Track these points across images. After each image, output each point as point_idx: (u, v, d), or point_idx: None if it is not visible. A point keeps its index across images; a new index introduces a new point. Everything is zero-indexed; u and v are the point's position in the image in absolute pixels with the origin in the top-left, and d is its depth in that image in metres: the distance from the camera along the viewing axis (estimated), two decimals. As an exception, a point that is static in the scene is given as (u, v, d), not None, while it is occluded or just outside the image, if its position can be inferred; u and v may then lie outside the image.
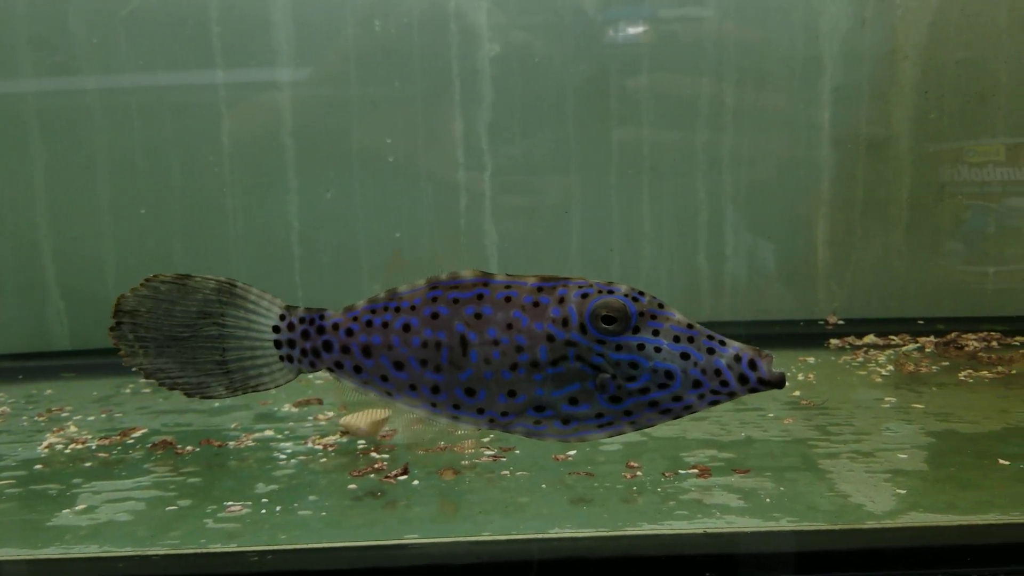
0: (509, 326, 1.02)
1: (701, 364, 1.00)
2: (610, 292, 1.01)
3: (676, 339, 1.01)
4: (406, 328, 1.03)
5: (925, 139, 2.47)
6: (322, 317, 1.06)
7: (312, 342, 1.06)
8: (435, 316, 1.03)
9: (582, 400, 1.02)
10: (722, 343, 1.01)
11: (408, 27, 2.40)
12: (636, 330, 1.01)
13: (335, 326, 1.05)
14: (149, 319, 1.04)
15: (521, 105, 2.46)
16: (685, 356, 1.00)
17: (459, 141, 2.45)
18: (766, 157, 2.51)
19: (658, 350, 1.00)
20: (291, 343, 1.06)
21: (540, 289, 1.03)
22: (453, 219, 2.48)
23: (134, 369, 1.06)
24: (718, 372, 0.99)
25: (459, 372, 1.03)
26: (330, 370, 1.06)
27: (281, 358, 1.06)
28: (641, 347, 1.00)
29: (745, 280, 2.53)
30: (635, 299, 1.01)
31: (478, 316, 1.02)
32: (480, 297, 1.03)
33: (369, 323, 1.04)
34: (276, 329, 1.06)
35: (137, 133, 2.41)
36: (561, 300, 1.02)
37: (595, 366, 1.01)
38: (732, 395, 1.01)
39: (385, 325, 1.04)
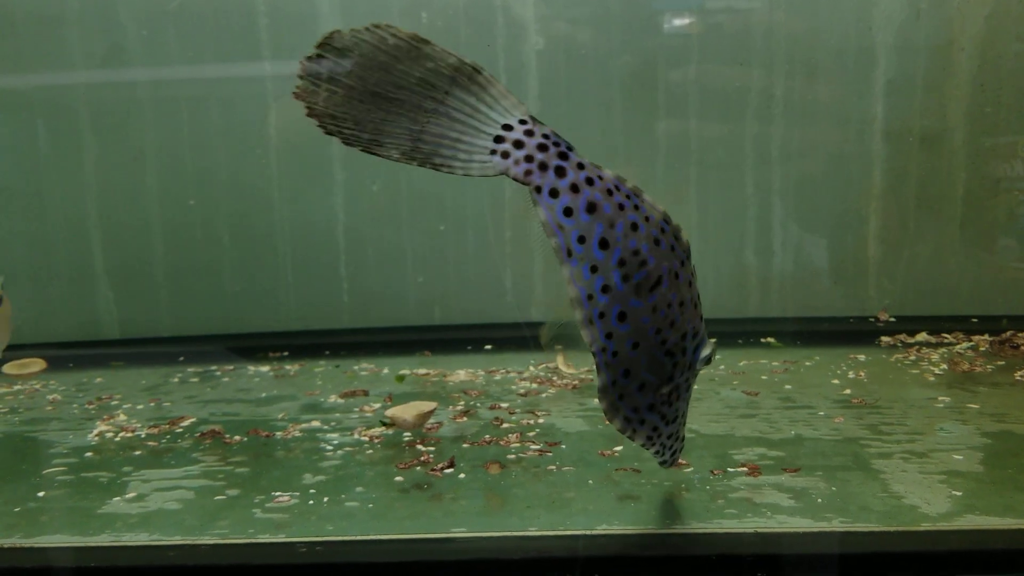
0: (681, 303, 1.09)
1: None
2: None
3: None
4: (634, 227, 1.03)
5: (980, 133, 2.41)
6: (570, 148, 1.02)
7: (546, 156, 1.01)
8: (657, 242, 1.05)
9: (650, 396, 1.15)
10: None
11: (455, 19, 2.39)
12: None
13: (579, 165, 1.02)
14: (357, 64, 0.98)
15: (567, 97, 2.44)
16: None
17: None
18: (816, 150, 2.47)
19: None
20: (519, 144, 1.00)
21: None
22: (498, 211, 2.47)
23: (305, 105, 0.99)
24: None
25: (633, 297, 1.04)
26: (538, 190, 1.01)
27: (493, 152, 1.00)
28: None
29: (794, 276, 2.49)
30: None
31: (676, 276, 1.07)
32: (683, 263, 1.09)
33: (610, 192, 1.02)
34: (508, 127, 1.01)
35: (185, 125, 2.43)
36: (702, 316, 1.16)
37: (677, 386, 1.16)
38: None
39: (621, 207, 1.02)
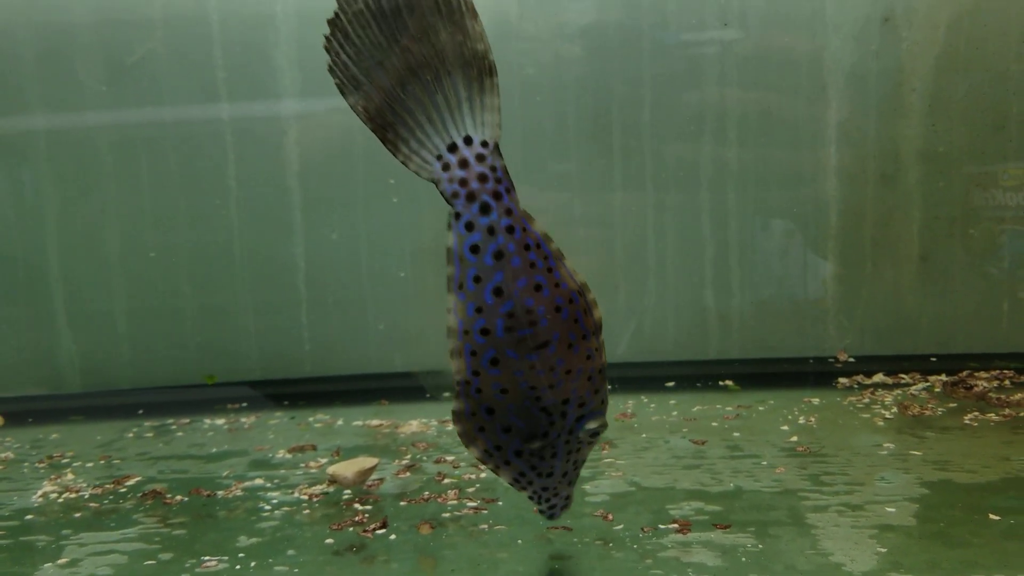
0: (568, 372, 1.06)
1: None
2: None
3: None
4: (538, 287, 1.00)
5: (935, 172, 2.42)
6: (508, 190, 0.99)
7: (479, 188, 0.98)
8: (558, 309, 1.02)
9: (517, 443, 1.12)
10: None
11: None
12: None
13: (508, 211, 0.99)
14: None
15: (522, 136, 2.45)
16: None
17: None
18: (772, 192, 2.48)
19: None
20: (463, 163, 0.97)
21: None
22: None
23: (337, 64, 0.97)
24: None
25: (511, 349, 1.02)
26: (457, 216, 0.99)
27: (439, 156, 0.98)
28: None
29: (753, 316, 2.49)
30: None
31: (570, 346, 1.04)
32: (586, 337, 1.06)
33: (527, 247, 1.00)
34: (468, 141, 0.98)
35: (145, 177, 2.44)
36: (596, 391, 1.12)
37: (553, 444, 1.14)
38: None
39: (532, 265, 1.00)
